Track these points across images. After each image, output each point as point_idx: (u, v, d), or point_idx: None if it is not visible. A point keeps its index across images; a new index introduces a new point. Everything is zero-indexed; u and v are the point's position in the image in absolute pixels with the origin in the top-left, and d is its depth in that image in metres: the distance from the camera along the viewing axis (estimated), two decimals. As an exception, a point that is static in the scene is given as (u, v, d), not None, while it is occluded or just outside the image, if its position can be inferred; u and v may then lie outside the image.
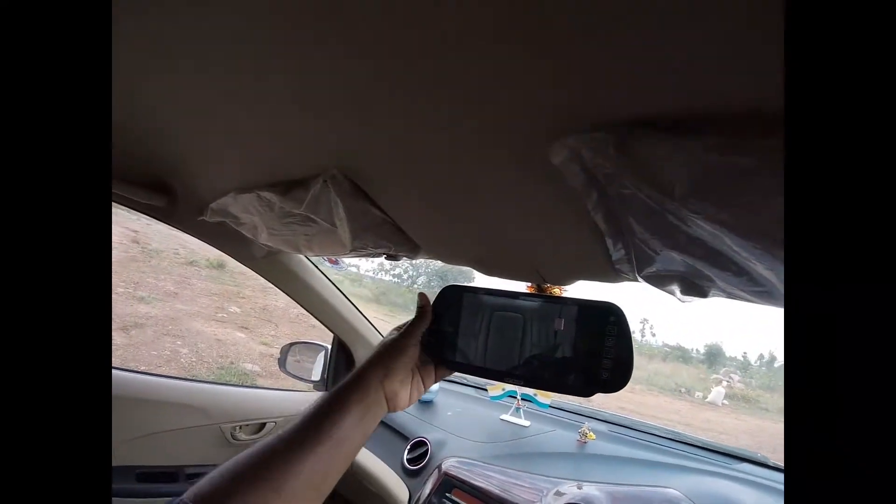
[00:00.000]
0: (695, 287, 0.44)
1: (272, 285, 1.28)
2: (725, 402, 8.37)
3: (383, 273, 13.08)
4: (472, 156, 0.42)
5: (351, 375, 0.53)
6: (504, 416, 1.34)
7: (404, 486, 1.16)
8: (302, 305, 1.36)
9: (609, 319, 0.50)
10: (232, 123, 0.52)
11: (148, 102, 0.53)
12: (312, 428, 0.48)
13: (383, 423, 1.36)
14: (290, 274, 1.26)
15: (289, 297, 1.33)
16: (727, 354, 11.63)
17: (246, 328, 6.13)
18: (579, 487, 0.99)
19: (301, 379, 1.54)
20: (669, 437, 1.27)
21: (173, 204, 0.88)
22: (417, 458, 1.21)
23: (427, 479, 1.11)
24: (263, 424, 1.38)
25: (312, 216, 0.63)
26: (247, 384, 4.24)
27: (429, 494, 1.06)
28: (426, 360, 0.59)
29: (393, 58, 0.32)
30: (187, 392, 1.27)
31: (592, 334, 0.51)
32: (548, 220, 0.48)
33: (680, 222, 0.32)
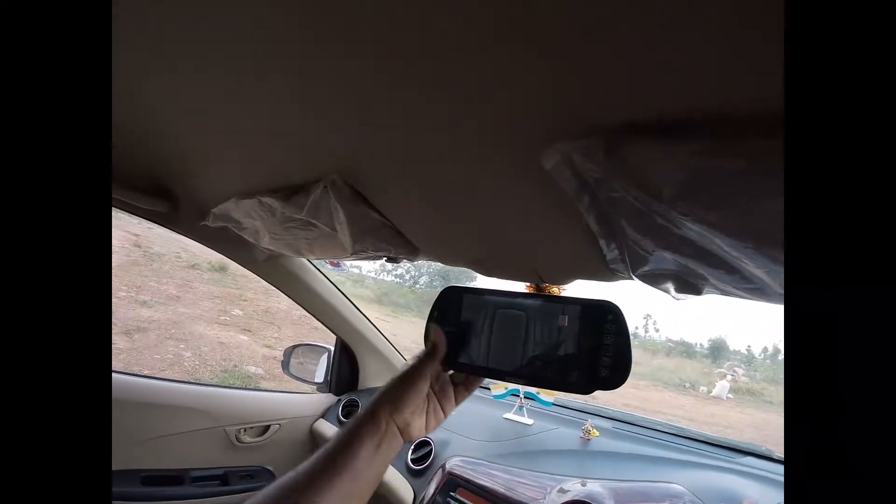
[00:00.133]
0: (689, 285, 0.44)
1: (274, 287, 1.29)
2: (730, 395, 8.34)
3: (385, 274, 13.08)
4: (469, 159, 0.42)
5: (363, 409, 0.54)
6: (507, 415, 1.34)
7: (409, 485, 1.16)
8: (304, 308, 1.36)
9: (607, 318, 0.51)
10: (232, 127, 0.52)
11: (148, 105, 0.54)
12: (329, 462, 0.49)
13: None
14: (292, 277, 1.26)
15: (291, 300, 1.34)
16: (731, 348, 11.59)
17: (249, 331, 6.14)
18: (583, 484, 0.99)
19: (304, 381, 1.55)
20: (673, 432, 1.27)
21: (175, 209, 0.89)
22: (421, 457, 1.21)
23: (431, 479, 1.11)
24: (268, 427, 1.38)
25: (313, 221, 0.64)
26: (250, 387, 4.25)
27: (433, 494, 1.06)
28: (445, 384, 0.58)
29: (392, 61, 0.32)
30: (191, 395, 1.28)
31: (591, 332, 0.52)
32: (544, 221, 0.48)
33: (670, 224, 0.32)
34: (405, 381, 0.55)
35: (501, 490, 1.01)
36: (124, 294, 5.75)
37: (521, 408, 1.36)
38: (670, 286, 0.46)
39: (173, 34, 0.38)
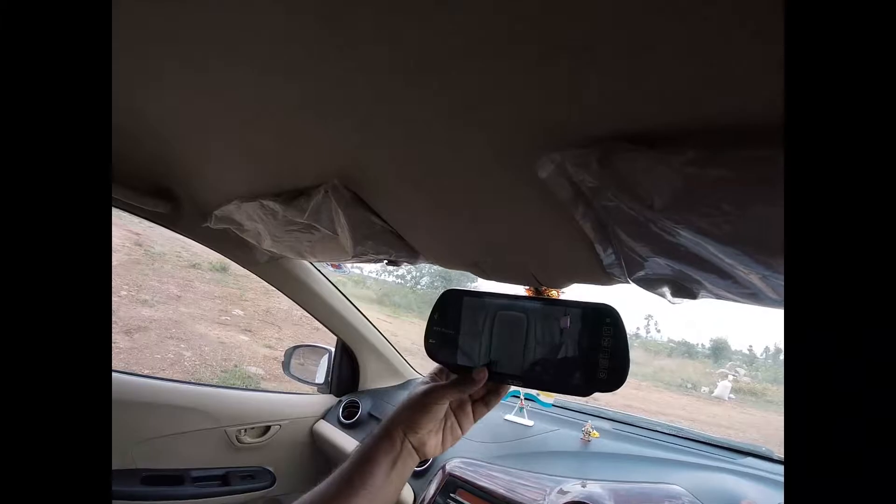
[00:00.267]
0: (684, 289, 0.45)
1: (275, 289, 1.30)
2: (732, 396, 8.33)
3: (386, 274, 13.07)
4: (468, 166, 0.43)
5: (379, 428, 0.54)
6: (507, 416, 1.34)
7: (409, 486, 1.16)
8: (305, 309, 1.37)
9: (605, 321, 0.51)
10: (234, 130, 0.53)
11: (151, 108, 0.54)
12: (345, 482, 0.49)
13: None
14: (293, 278, 1.27)
15: (292, 301, 1.34)
16: (732, 348, 11.54)
17: (249, 331, 6.14)
18: (583, 485, 1.00)
19: (305, 382, 1.55)
20: (673, 433, 1.27)
21: (178, 210, 0.89)
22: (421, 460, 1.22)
23: (431, 480, 1.12)
24: (268, 427, 1.39)
25: (315, 224, 0.64)
26: (251, 387, 4.26)
27: (433, 495, 1.07)
28: (465, 402, 0.58)
29: (393, 69, 0.33)
30: (192, 395, 1.29)
31: (589, 335, 0.52)
32: (542, 226, 0.49)
33: (663, 231, 0.33)
34: (423, 406, 0.54)
35: (501, 491, 1.01)
36: (125, 293, 5.76)
37: (521, 409, 1.36)
38: (666, 290, 0.46)
39: (176, 38, 0.38)
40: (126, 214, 0.92)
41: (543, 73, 0.28)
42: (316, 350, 1.60)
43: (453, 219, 0.56)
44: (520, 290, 0.62)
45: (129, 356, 4.55)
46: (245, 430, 1.34)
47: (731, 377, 9.21)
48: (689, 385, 8.89)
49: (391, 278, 13.08)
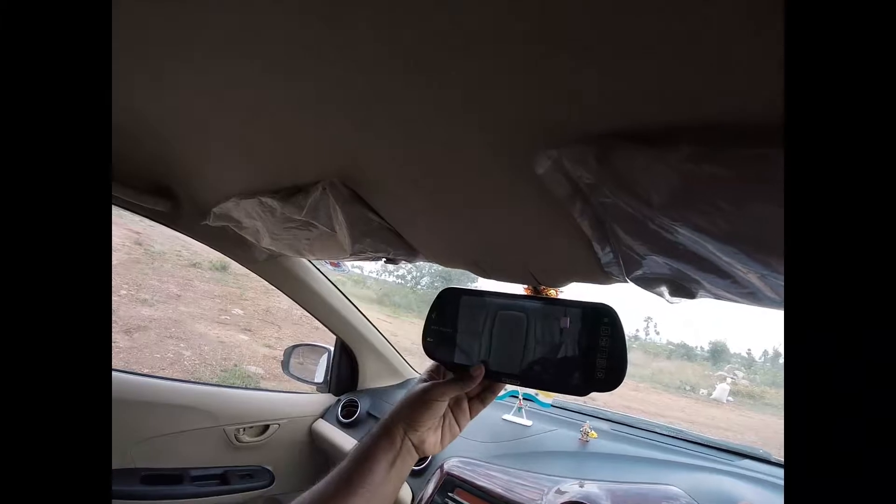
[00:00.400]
0: (683, 289, 0.45)
1: (275, 288, 1.30)
2: (730, 398, 8.33)
3: (387, 274, 13.07)
4: (466, 163, 0.43)
5: (377, 426, 0.54)
6: (506, 416, 1.34)
7: (407, 486, 1.16)
8: (304, 308, 1.37)
9: (603, 320, 0.51)
10: (232, 128, 0.53)
11: (149, 106, 0.54)
12: (344, 481, 0.49)
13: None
14: (293, 276, 1.27)
15: (291, 300, 1.35)
16: (731, 351, 11.55)
17: (249, 330, 6.14)
18: (581, 485, 1.00)
19: (304, 381, 1.55)
20: (671, 434, 1.27)
21: (177, 208, 0.89)
22: (420, 458, 1.21)
23: (429, 479, 1.12)
24: (267, 426, 1.39)
25: (313, 221, 0.65)
26: (250, 386, 4.25)
27: (431, 494, 1.07)
28: (461, 398, 0.58)
29: (391, 65, 0.33)
30: (191, 394, 1.29)
31: (587, 335, 0.52)
32: (540, 224, 0.49)
33: (661, 229, 0.33)
34: (423, 403, 0.54)
35: (499, 491, 1.01)
36: (125, 292, 5.76)
37: (519, 409, 1.36)
38: (664, 290, 0.46)
39: (176, 37, 0.38)
40: (126, 213, 0.92)
41: (543, 72, 0.28)
42: (315, 349, 1.60)
43: (452, 217, 0.56)
44: (518, 289, 0.62)
45: (128, 355, 4.55)
46: (244, 430, 1.34)
47: (729, 380, 9.21)
48: (688, 387, 8.89)
49: (391, 278, 13.09)
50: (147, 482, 1.17)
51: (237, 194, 0.74)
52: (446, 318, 0.60)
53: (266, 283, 1.28)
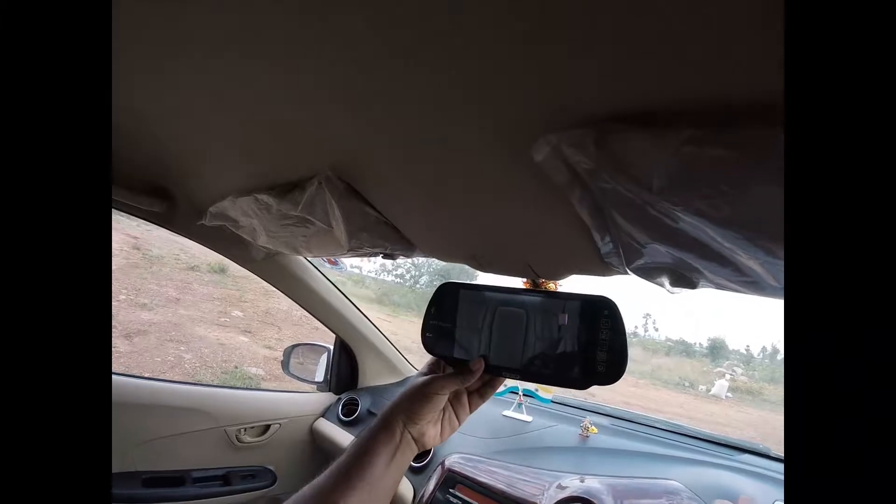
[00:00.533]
0: (684, 279, 0.44)
1: (274, 288, 1.29)
2: (729, 395, 8.35)
3: (386, 274, 13.05)
4: (463, 154, 0.43)
5: (377, 420, 0.54)
6: (506, 412, 1.34)
7: (408, 482, 1.16)
8: (303, 307, 1.36)
9: (603, 313, 0.51)
10: (227, 125, 0.53)
11: (143, 105, 0.54)
12: (343, 474, 0.49)
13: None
14: (291, 276, 1.26)
15: (290, 300, 1.34)
16: (730, 347, 11.55)
17: (249, 332, 6.13)
18: (581, 480, 1.00)
19: (304, 380, 1.55)
20: (671, 429, 1.27)
21: (172, 209, 0.89)
22: (421, 455, 1.22)
23: (431, 476, 1.12)
24: (268, 426, 1.39)
25: (309, 217, 0.64)
26: (251, 387, 4.25)
27: (432, 491, 1.07)
28: (460, 392, 0.58)
29: (386, 56, 0.32)
30: (192, 396, 1.28)
31: (587, 328, 0.52)
32: (538, 215, 0.49)
33: (662, 215, 0.32)
34: (424, 397, 0.54)
35: (500, 486, 1.01)
36: (124, 297, 5.74)
37: (519, 405, 1.36)
38: (665, 280, 0.46)
39: (174, 37, 0.38)
40: (123, 218, 0.92)
41: (541, 57, 0.28)
42: (315, 348, 1.60)
43: (449, 209, 0.55)
44: (517, 282, 0.62)
45: (129, 360, 4.54)
46: (245, 430, 1.34)
47: (728, 376, 9.23)
48: (687, 383, 8.90)
49: (390, 278, 13.08)
50: (148, 485, 1.17)
51: (233, 192, 0.73)
52: (445, 313, 0.60)
53: (265, 284, 1.27)
